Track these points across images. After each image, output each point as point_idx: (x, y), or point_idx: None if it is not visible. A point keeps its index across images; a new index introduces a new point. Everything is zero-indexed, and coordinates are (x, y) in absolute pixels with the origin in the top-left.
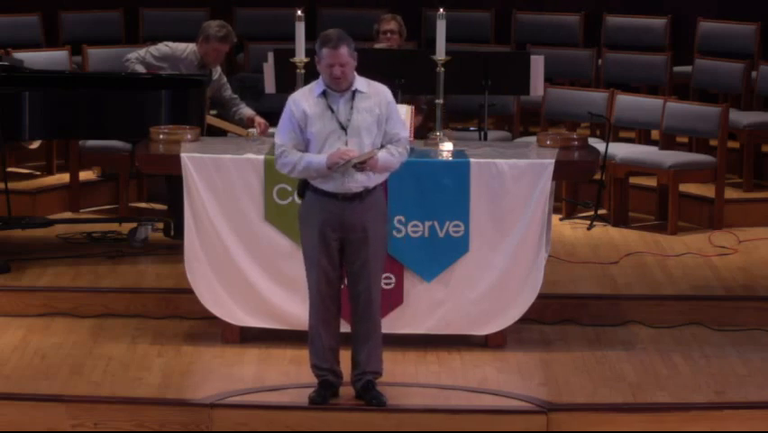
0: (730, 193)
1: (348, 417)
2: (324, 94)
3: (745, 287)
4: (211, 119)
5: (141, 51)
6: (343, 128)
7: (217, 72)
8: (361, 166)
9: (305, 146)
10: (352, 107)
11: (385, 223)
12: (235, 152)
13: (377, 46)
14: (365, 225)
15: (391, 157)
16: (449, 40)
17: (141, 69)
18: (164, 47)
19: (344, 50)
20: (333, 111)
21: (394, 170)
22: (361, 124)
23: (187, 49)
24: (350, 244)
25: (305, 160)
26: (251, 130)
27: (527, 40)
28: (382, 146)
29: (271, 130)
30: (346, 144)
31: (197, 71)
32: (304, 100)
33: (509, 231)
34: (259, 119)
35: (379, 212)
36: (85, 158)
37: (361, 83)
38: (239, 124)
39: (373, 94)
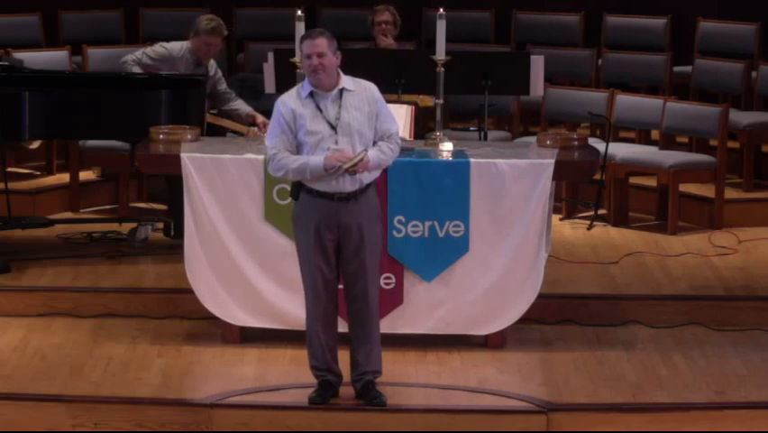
0: (730, 193)
1: (348, 417)
2: (311, 95)
3: (745, 287)
4: (211, 118)
5: (138, 53)
6: (333, 127)
7: (213, 67)
8: (353, 169)
9: (296, 148)
10: (340, 106)
11: (380, 222)
12: (235, 152)
13: (371, 42)
14: (360, 225)
15: (382, 155)
16: (449, 40)
17: (137, 70)
18: (160, 48)
19: (322, 41)
20: (321, 111)
21: (387, 165)
22: (351, 122)
23: (183, 48)
24: (346, 244)
25: (299, 162)
26: (251, 128)
27: (527, 40)
28: (374, 143)
29: None
30: (336, 143)
31: (194, 69)
32: (292, 101)
33: (509, 231)
34: (260, 118)
35: (374, 212)
36: (85, 158)
37: (347, 81)
38: (236, 120)
39: (360, 91)
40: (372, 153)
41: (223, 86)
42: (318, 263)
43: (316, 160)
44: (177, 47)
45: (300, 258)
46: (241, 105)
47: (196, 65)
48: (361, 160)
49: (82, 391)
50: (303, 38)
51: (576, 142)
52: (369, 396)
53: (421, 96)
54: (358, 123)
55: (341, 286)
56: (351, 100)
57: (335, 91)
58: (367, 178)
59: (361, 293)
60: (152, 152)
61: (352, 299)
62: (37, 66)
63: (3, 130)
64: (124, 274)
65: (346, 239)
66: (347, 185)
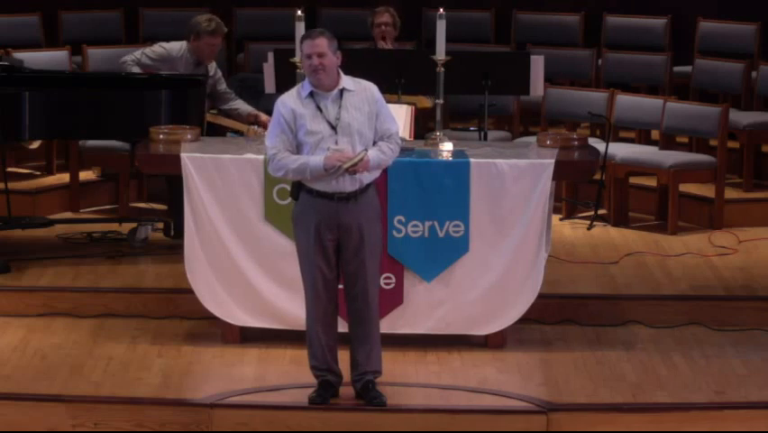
0: (730, 193)
1: (348, 417)
2: (311, 95)
3: (745, 287)
4: (211, 117)
5: (137, 53)
6: (333, 127)
7: (213, 68)
8: (353, 169)
9: (295, 148)
10: (340, 106)
11: (380, 222)
12: (235, 152)
13: (371, 42)
14: (360, 225)
15: (383, 155)
16: (449, 40)
17: (137, 70)
18: (159, 48)
19: (323, 41)
20: (321, 111)
21: (387, 165)
22: (350, 122)
23: (182, 48)
24: (346, 244)
25: (299, 162)
26: (252, 127)
27: (527, 40)
28: (374, 143)
29: None
30: (336, 143)
31: (194, 69)
32: (292, 101)
33: (509, 231)
34: (262, 116)
35: (374, 212)
36: (85, 158)
37: (347, 82)
38: (237, 119)
39: (360, 91)
40: (372, 153)
41: (222, 86)
42: (318, 263)
43: (316, 160)
44: (176, 47)
45: (300, 258)
46: (241, 105)
47: (195, 65)
48: (361, 159)
49: (82, 391)
50: (303, 38)
51: (576, 142)
52: (369, 396)
53: (419, 98)
54: (358, 122)
55: (341, 286)
56: (351, 100)
57: (335, 91)
58: (367, 178)
59: (360, 293)
60: (152, 152)
61: (352, 299)
62: (37, 66)
63: (3, 130)
64: (124, 274)
65: (346, 239)
66: (347, 185)
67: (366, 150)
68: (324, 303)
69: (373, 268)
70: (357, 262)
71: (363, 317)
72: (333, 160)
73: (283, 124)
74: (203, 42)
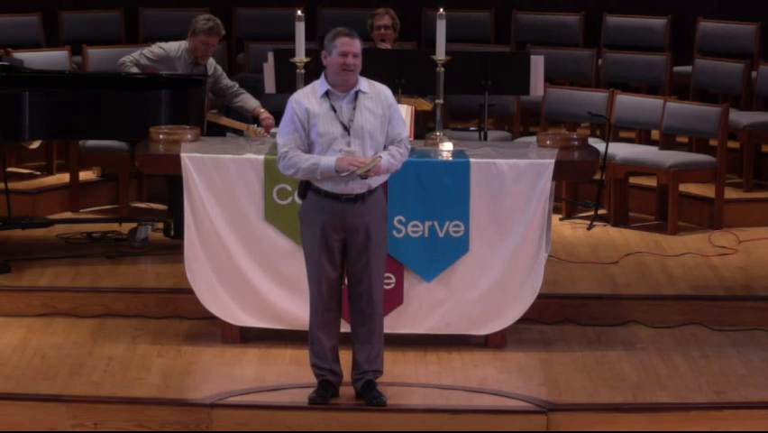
0: (730, 193)
1: (348, 417)
2: (326, 94)
3: (745, 287)
4: (210, 116)
5: (135, 54)
6: (346, 129)
7: (212, 66)
8: (366, 174)
9: (307, 147)
10: (354, 108)
11: (386, 223)
12: (235, 152)
13: (371, 43)
14: (367, 226)
15: (393, 159)
16: (449, 40)
17: (135, 71)
18: (157, 48)
19: (358, 42)
20: (335, 111)
21: (396, 169)
22: (363, 124)
23: (180, 47)
24: (352, 245)
25: (311, 162)
26: (251, 126)
27: (527, 40)
28: (384, 147)
29: (273, 130)
30: (348, 145)
31: (192, 69)
32: (306, 100)
33: (509, 231)
34: (264, 114)
35: (381, 213)
36: (85, 158)
37: (363, 83)
38: (240, 111)
39: (375, 94)
40: (384, 158)
41: (225, 80)
42: (322, 263)
43: (328, 161)
44: (174, 47)
45: (306, 257)
46: (246, 100)
47: (193, 65)
48: (375, 165)
49: (82, 391)
50: (338, 34)
51: (576, 142)
52: (369, 396)
53: (417, 100)
54: (370, 125)
55: (345, 286)
56: (365, 102)
57: (352, 92)
58: (375, 181)
59: (365, 292)
60: (152, 152)
61: (356, 298)
62: (37, 66)
63: (3, 130)
64: (124, 274)
65: (352, 239)
66: (356, 187)
67: (380, 155)
68: (327, 303)
69: (378, 268)
70: (363, 262)
71: (366, 316)
72: (346, 163)
73: (296, 122)
74: (198, 40)
